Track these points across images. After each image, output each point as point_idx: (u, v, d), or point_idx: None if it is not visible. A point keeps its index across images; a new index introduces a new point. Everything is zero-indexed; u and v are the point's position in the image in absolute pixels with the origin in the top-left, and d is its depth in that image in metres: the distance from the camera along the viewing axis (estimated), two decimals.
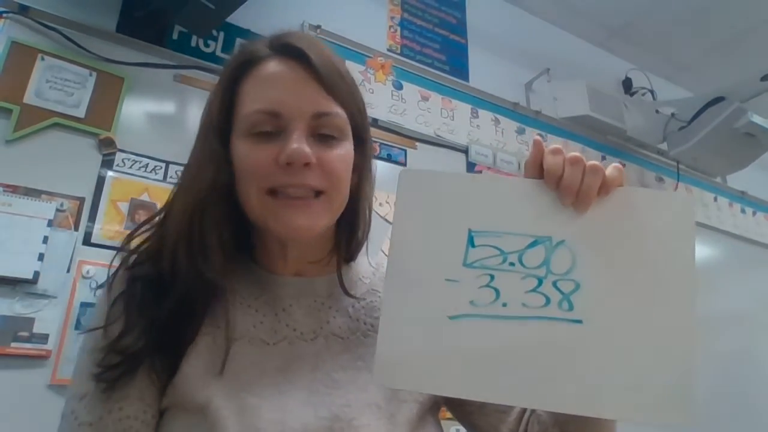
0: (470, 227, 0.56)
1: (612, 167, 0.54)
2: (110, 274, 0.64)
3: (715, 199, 2.78)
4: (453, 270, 0.55)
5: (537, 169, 0.55)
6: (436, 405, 0.68)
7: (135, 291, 0.61)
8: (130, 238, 0.66)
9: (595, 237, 0.55)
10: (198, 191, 0.62)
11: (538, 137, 0.57)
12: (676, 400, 0.51)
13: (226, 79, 0.65)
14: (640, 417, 0.52)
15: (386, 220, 1.73)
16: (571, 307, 0.54)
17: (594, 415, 0.54)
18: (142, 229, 0.66)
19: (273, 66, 0.63)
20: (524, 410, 0.68)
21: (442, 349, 0.53)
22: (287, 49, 0.63)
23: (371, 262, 0.76)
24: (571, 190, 0.53)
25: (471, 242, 0.56)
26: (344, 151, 0.64)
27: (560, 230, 0.55)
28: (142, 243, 0.65)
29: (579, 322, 0.54)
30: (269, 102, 0.61)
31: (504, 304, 0.54)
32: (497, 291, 0.54)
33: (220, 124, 0.64)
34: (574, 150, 0.57)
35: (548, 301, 0.54)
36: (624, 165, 2.45)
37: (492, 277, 0.54)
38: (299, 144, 0.59)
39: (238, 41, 1.65)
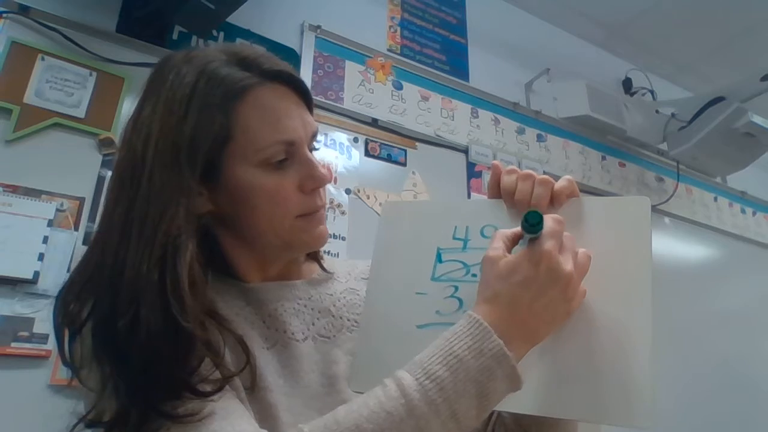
0: (438, 245, 0.62)
1: (562, 179, 0.59)
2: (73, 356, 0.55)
3: (715, 199, 2.78)
4: (422, 284, 0.61)
5: (497, 189, 0.62)
6: None
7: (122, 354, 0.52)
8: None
9: None
10: (166, 233, 0.53)
11: (495, 161, 0.63)
12: (633, 404, 0.51)
13: (216, 105, 0.58)
14: (596, 419, 0.53)
15: None
16: None
17: (549, 415, 0.56)
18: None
19: (271, 93, 0.62)
20: (491, 412, 0.70)
21: (411, 355, 0.53)
22: (279, 74, 0.63)
23: (344, 263, 0.79)
24: (524, 202, 0.59)
25: (439, 258, 0.62)
26: None
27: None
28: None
29: None
30: (286, 132, 0.61)
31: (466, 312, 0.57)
32: (461, 300, 0.59)
33: (198, 151, 0.57)
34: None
35: None
36: (624, 165, 2.48)
37: (456, 288, 0.60)
38: (323, 169, 0.64)
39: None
